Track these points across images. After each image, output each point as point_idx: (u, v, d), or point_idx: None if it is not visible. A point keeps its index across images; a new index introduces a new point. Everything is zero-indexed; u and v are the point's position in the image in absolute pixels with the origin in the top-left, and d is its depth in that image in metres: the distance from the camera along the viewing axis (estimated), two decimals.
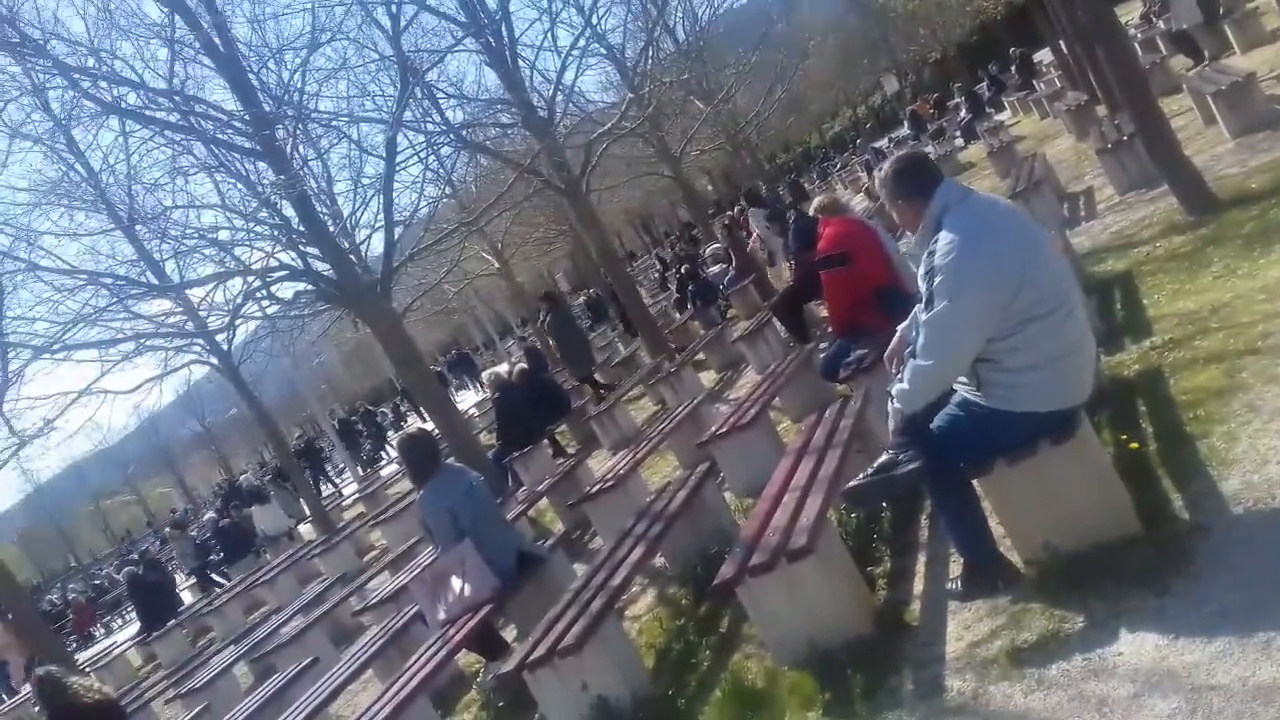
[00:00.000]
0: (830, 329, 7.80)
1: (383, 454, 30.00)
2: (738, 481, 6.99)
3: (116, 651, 16.43)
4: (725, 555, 4.48)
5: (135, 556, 29.91)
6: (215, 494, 38.29)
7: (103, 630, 24.02)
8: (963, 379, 3.59)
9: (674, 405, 10.30)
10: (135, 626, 17.82)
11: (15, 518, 54.91)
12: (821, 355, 7.73)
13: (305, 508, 18.77)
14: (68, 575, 49.03)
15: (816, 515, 4.02)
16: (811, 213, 8.60)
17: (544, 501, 9.31)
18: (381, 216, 11.21)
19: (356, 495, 19.84)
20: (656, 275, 32.66)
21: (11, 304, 13.83)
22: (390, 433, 35.26)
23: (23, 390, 22.38)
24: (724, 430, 7.10)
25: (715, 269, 20.76)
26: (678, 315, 19.76)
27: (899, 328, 4.04)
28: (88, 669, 13.07)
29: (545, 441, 11.85)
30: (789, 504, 4.33)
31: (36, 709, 7.09)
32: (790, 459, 5.12)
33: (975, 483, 3.65)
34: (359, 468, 26.86)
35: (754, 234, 18.34)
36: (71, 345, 12.65)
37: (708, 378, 13.04)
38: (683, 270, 22.06)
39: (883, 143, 36.61)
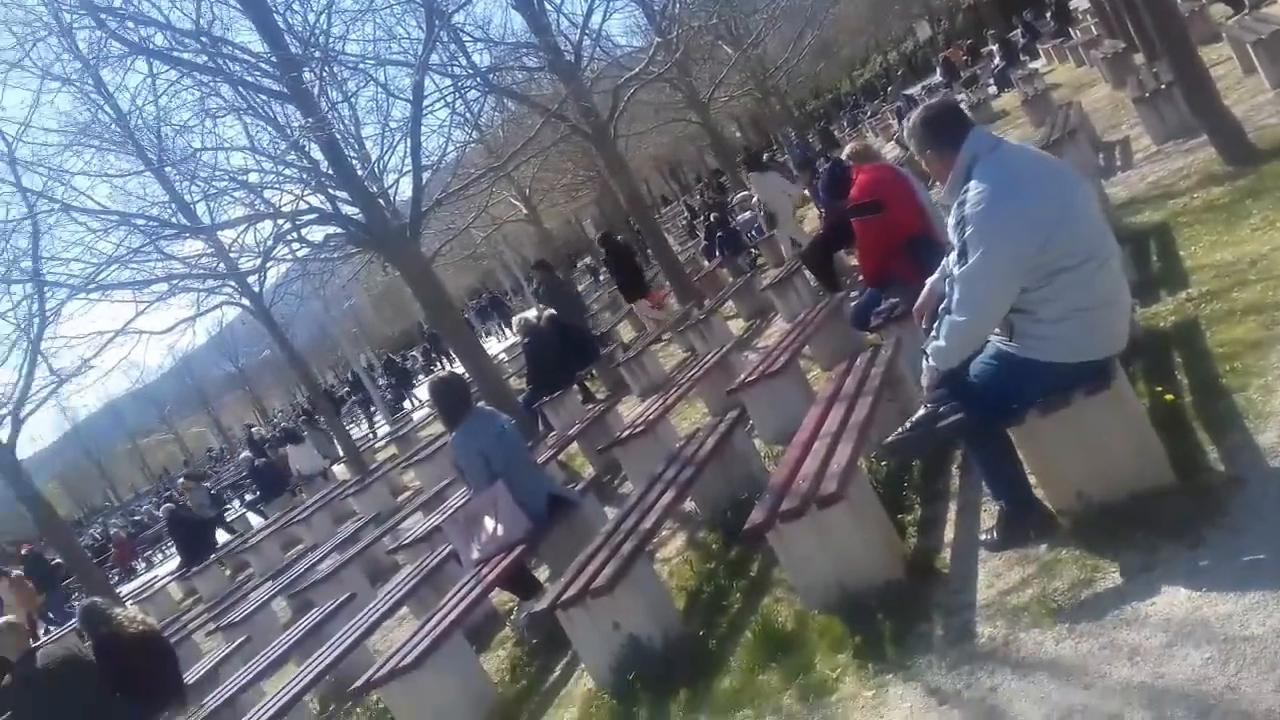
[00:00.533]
0: (861, 278, 7.76)
1: (405, 402, 30.24)
2: (767, 429, 7.03)
3: (157, 585, 16.85)
4: (755, 501, 4.53)
5: (174, 493, 30.56)
6: (247, 436, 38.93)
7: (143, 565, 24.59)
8: (996, 329, 3.59)
9: (703, 353, 10.33)
10: (175, 561, 18.24)
11: (55, 455, 56.04)
12: (852, 304, 7.70)
13: (339, 448, 19.06)
14: (107, 511, 50.14)
15: (847, 462, 4.05)
16: (843, 159, 8.52)
17: (574, 446, 9.40)
18: (409, 161, 11.21)
19: (389, 437, 20.09)
20: (685, 222, 32.52)
21: (47, 244, 14.00)
22: (420, 377, 35.56)
23: (60, 329, 22.76)
24: (753, 377, 7.13)
25: (744, 216, 20.64)
26: (706, 263, 19.70)
27: (929, 281, 4.03)
28: (130, 602, 13.41)
29: (574, 387, 11.94)
30: (819, 451, 4.37)
31: (83, 639, 7.30)
32: (820, 406, 5.14)
33: (1009, 432, 3.67)
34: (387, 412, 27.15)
35: (754, 198, 18.18)
36: (106, 285, 12.83)
37: (736, 326, 13.04)
38: (711, 218, 21.97)
39: (915, 90, 35.98)
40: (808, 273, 11.01)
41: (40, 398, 14.92)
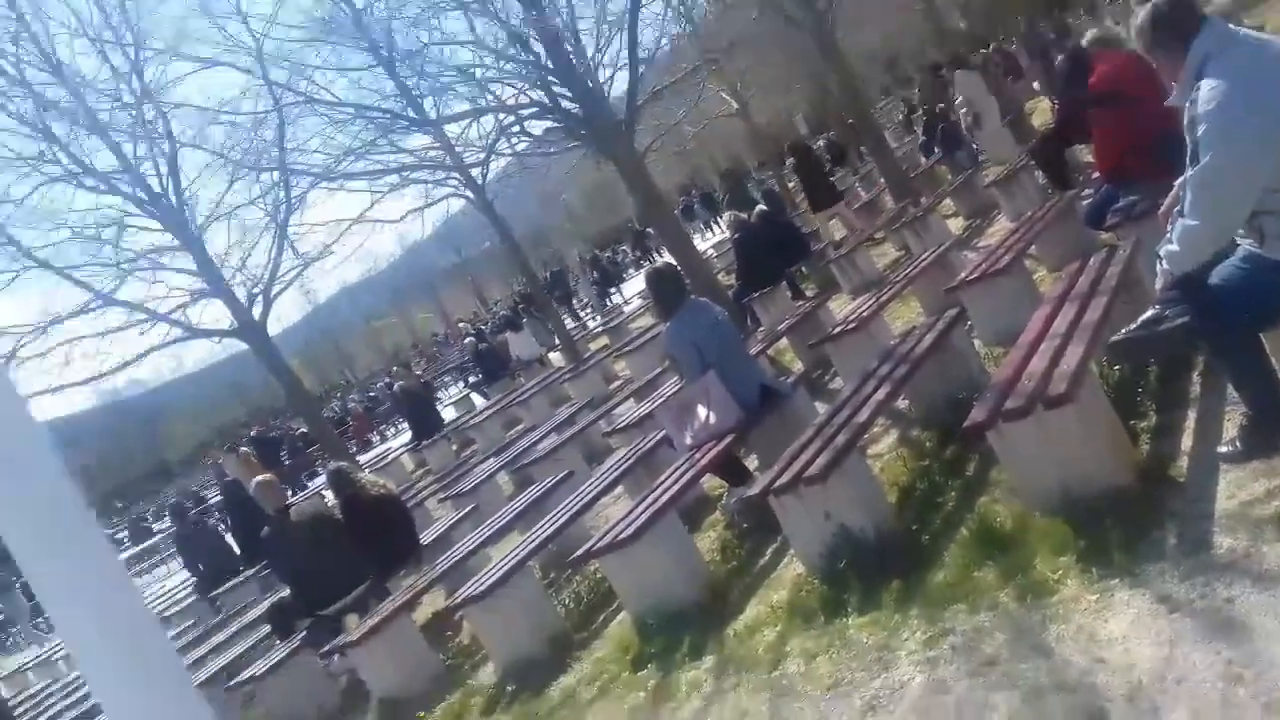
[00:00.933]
0: (1096, 174, 7.28)
1: (609, 297, 30.84)
2: (987, 330, 6.82)
3: (391, 456, 18.31)
4: (974, 401, 4.45)
5: (397, 372, 32.75)
6: (471, 322, 41.01)
7: (378, 438, 26.65)
8: (1242, 232, 3.36)
9: (918, 252, 10.04)
10: (407, 435, 19.71)
11: (297, 334, 61.05)
12: (1084, 202, 7.27)
13: (555, 337, 19.88)
14: (345, 388, 54.40)
15: (1077, 363, 3.91)
16: (1083, 46, 7.92)
17: (783, 342, 9.43)
18: (625, 54, 11.28)
19: (601, 328, 20.75)
20: (902, 118, 31.13)
21: (291, 136, 15.04)
22: (630, 271, 36.18)
23: (304, 216, 24.59)
24: (975, 276, 6.90)
25: (965, 111, 19.56)
26: (923, 160, 18.93)
27: (1177, 182, 3.77)
28: (367, 470, 14.67)
29: (784, 283, 11.90)
30: (1047, 351, 4.23)
31: (330, 499, 8.07)
32: (1048, 306, 4.95)
33: (1263, 338, 3.45)
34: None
35: (957, 98, 17.11)
36: (344, 175, 13.72)
37: (955, 225, 12.54)
38: (930, 113, 20.95)
39: None
40: (1036, 168, 10.43)
41: (287, 280, 16.31)
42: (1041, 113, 18.03)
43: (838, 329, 7.61)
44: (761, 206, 13.43)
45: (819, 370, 8.52)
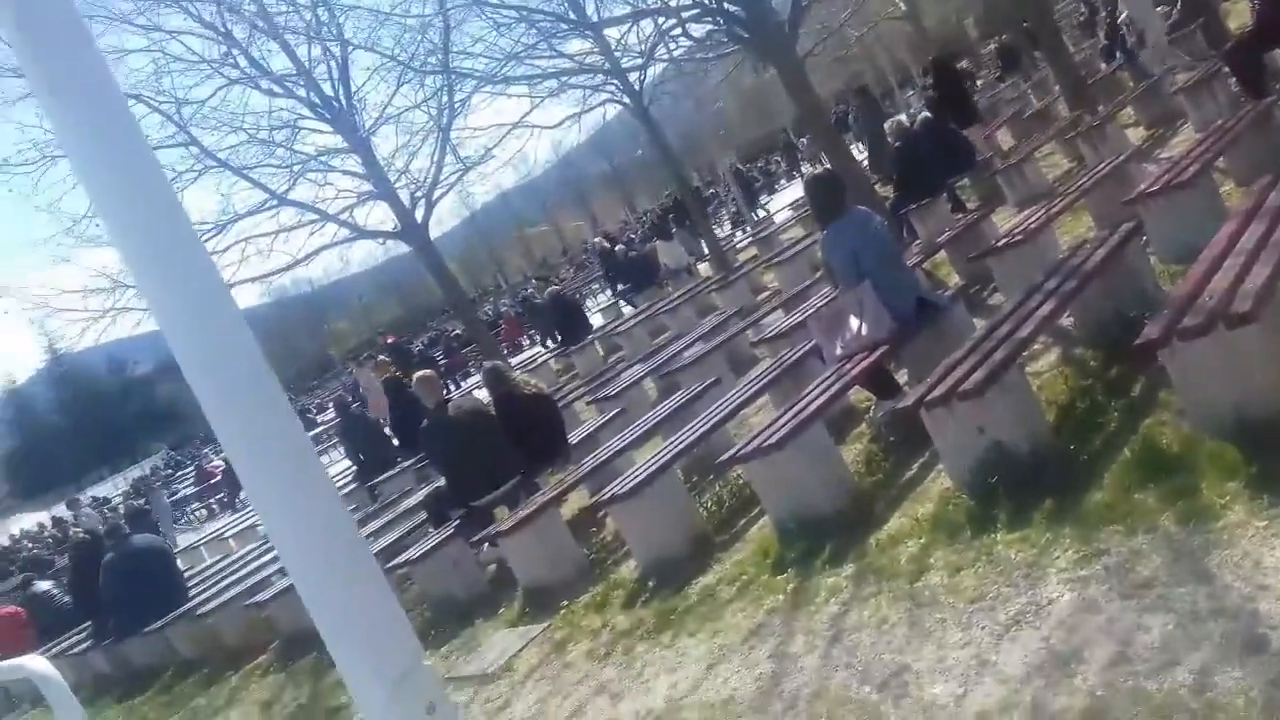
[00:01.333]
0: None
1: (759, 208, 30.34)
2: (1166, 246, 6.42)
3: (541, 359, 18.80)
4: (1146, 319, 4.24)
5: (554, 279, 33.48)
6: (621, 230, 41.28)
7: (528, 341, 27.33)
8: None
9: (1092, 163, 9.47)
10: (555, 340, 20.16)
11: (454, 239, 62.87)
12: None
13: (704, 246, 19.80)
14: (497, 293, 55.91)
15: (1264, 282, 3.67)
16: None
17: (940, 255, 9.14)
18: None
19: (750, 239, 20.54)
20: (1081, 19, 29.11)
21: (455, 40, 15.25)
22: (782, 181, 35.57)
23: (466, 120, 25.08)
24: (1155, 189, 6.49)
25: (1129, 26, 18.13)
26: (1103, 65, 17.70)
27: None
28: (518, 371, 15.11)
29: (945, 195, 11.45)
30: (1231, 268, 3.97)
31: (485, 397, 8.36)
32: (1235, 222, 4.63)
33: None
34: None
35: (1123, 15, 15.71)
36: (506, 78, 13.87)
37: (1134, 135, 11.74)
38: (1113, 14, 19.49)
39: None
40: (1229, 74, 9.62)
41: (448, 183, 16.76)
42: (1239, 14, 16.53)
43: (1002, 241, 7.30)
44: (926, 114, 12.89)
45: (977, 285, 8.23)
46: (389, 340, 30.06)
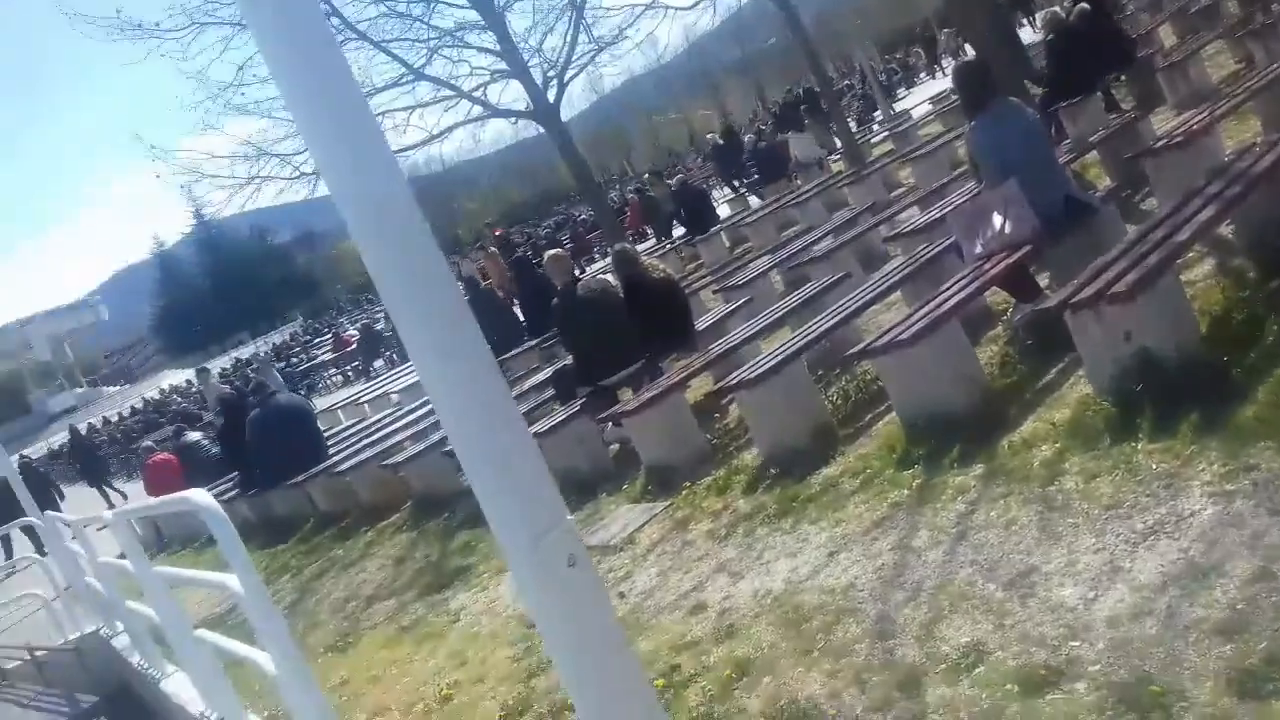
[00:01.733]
0: None
1: (895, 102, 29.11)
2: None
3: (667, 247, 18.78)
4: None
5: (680, 170, 33.15)
6: (751, 121, 40.38)
7: (651, 231, 27.27)
8: None
9: (1263, 64, 8.79)
10: (681, 230, 20.08)
11: (583, 122, 62.62)
12: None
13: (836, 140, 19.25)
14: (624, 180, 55.75)
15: None
16: None
17: (1091, 155, 8.70)
18: None
19: (886, 133, 19.88)
20: None
21: None
22: (922, 75, 34.13)
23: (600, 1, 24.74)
24: None
25: None
26: None
27: None
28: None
29: (1099, 93, 10.82)
30: None
31: (612, 276, 8.46)
32: None
33: None
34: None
35: None
36: None
37: None
38: None
39: None
40: None
41: (580, 63, 16.65)
42: None
43: (1161, 142, 6.92)
44: (1084, 4, 12.08)
45: (1130, 189, 7.84)
46: (497, 233, 30.58)
